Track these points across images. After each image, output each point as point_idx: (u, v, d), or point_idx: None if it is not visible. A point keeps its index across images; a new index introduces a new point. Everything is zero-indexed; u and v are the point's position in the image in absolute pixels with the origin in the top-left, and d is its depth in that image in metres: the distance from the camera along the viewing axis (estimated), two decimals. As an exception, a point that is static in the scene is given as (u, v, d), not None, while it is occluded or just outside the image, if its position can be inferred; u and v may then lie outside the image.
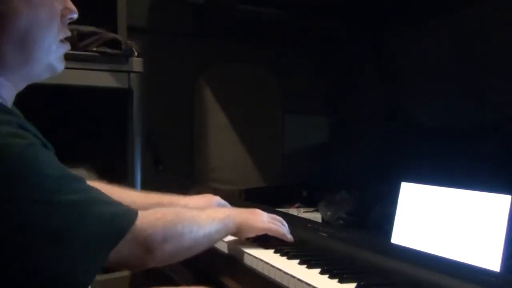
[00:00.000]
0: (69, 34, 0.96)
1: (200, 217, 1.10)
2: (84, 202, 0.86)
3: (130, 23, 1.90)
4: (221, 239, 1.22)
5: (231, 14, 2.21)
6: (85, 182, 0.91)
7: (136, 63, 1.82)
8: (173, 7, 2.27)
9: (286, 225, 1.32)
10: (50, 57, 0.93)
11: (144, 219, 0.95)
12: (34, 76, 0.94)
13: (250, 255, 1.23)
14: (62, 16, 0.93)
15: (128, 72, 1.81)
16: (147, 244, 0.94)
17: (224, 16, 2.24)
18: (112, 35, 1.77)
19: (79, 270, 0.84)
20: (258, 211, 1.29)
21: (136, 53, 1.83)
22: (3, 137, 0.80)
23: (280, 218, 1.32)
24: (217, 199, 1.43)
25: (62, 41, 0.95)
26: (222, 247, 1.35)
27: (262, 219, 1.27)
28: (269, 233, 1.27)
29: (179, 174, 2.31)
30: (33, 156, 0.82)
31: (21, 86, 0.95)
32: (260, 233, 1.26)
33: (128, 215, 0.93)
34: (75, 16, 0.96)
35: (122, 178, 1.88)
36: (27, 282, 0.82)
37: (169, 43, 2.30)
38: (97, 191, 0.92)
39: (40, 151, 0.84)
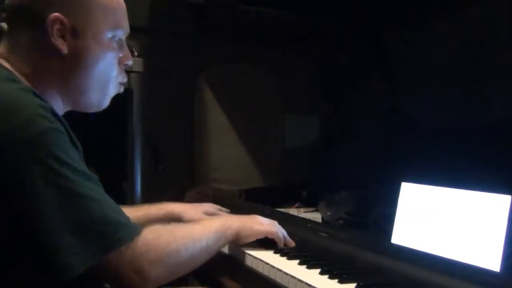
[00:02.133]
0: (126, 79, 1.13)
1: (195, 230, 1.08)
2: (94, 200, 0.89)
3: (130, 23, 1.90)
4: (220, 247, 1.19)
5: (231, 14, 2.21)
6: (101, 186, 0.94)
7: (136, 63, 1.82)
8: (173, 7, 2.28)
9: (284, 230, 1.31)
10: (102, 94, 1.08)
11: (143, 237, 0.94)
12: (83, 106, 1.09)
13: (250, 255, 1.23)
14: (120, 62, 1.10)
15: (128, 72, 1.81)
16: (139, 264, 0.93)
17: (224, 16, 2.24)
18: (112, 35, 1.77)
19: (70, 256, 0.85)
20: (256, 215, 1.28)
21: (136, 53, 1.82)
22: (33, 115, 0.87)
23: (276, 223, 1.31)
24: (207, 208, 1.47)
25: (118, 84, 1.11)
26: (223, 248, 1.35)
27: (261, 222, 1.26)
28: (270, 236, 1.26)
29: (179, 174, 2.31)
30: (52, 139, 0.87)
31: (68, 109, 1.08)
32: (260, 236, 1.24)
33: (132, 228, 0.94)
34: (131, 63, 1.13)
35: (122, 178, 1.88)
36: (24, 252, 0.87)
37: (169, 43, 2.30)
38: (109, 198, 0.94)
39: (62, 139, 0.90)
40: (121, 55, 1.10)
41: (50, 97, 1.02)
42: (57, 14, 0.98)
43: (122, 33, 1.10)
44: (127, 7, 1.13)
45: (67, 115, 1.06)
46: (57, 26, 0.99)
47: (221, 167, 2.35)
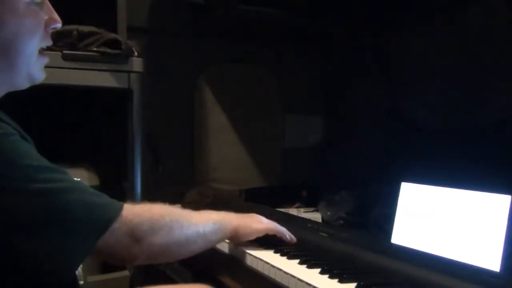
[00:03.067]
0: (50, 43, 0.97)
1: (192, 215, 1.10)
2: (69, 190, 0.87)
3: (130, 23, 1.90)
4: (218, 241, 1.20)
5: (231, 14, 2.21)
6: (67, 174, 0.91)
7: (136, 63, 1.82)
8: (173, 7, 2.28)
9: (284, 229, 1.31)
10: (30, 67, 0.93)
11: (130, 210, 0.95)
12: (14, 84, 0.95)
13: (250, 254, 1.23)
14: (46, 26, 0.94)
15: (128, 72, 1.81)
16: (134, 234, 0.94)
17: (224, 16, 2.24)
18: (112, 35, 1.77)
19: (63, 258, 0.84)
20: (256, 215, 1.28)
21: (136, 53, 1.83)
22: None
23: (275, 223, 1.31)
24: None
25: (43, 52, 0.95)
26: (223, 247, 1.35)
27: (260, 220, 1.26)
28: (270, 233, 1.26)
29: (179, 174, 2.31)
30: (10, 146, 0.82)
31: (1, 92, 0.95)
32: (260, 234, 1.25)
33: (113, 205, 0.94)
34: (59, 26, 0.97)
35: (122, 178, 1.88)
36: (12, 269, 0.83)
37: (169, 43, 2.30)
38: (81, 182, 0.93)
39: (16, 141, 0.85)
40: (45, 17, 0.94)
41: None
42: None
43: None
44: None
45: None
46: None
47: (221, 167, 2.35)
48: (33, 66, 0.94)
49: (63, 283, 0.87)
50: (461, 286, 0.95)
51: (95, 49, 1.73)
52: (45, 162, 0.87)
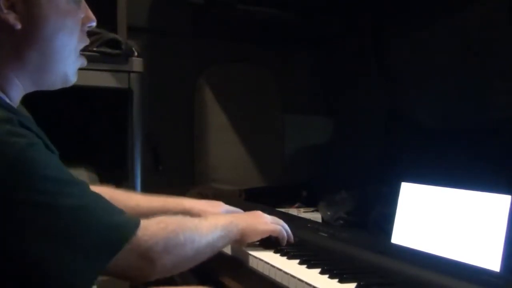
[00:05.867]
0: (88, 42, 0.99)
1: (202, 225, 1.07)
2: (85, 208, 0.85)
3: (130, 23, 1.90)
4: (225, 246, 1.19)
5: (231, 14, 2.21)
6: (88, 188, 0.90)
7: (136, 63, 1.82)
8: (173, 7, 2.28)
9: (287, 227, 1.31)
10: (67, 67, 0.95)
11: (146, 230, 0.92)
12: (47, 83, 0.96)
13: (250, 255, 1.23)
14: (82, 24, 0.96)
15: (128, 72, 1.81)
16: (148, 255, 0.92)
17: (224, 16, 2.24)
18: (112, 35, 1.77)
19: (75, 276, 0.83)
20: (259, 213, 1.27)
21: (136, 53, 1.83)
22: (3, 135, 0.79)
23: (281, 220, 1.30)
24: (225, 207, 1.39)
25: (80, 54, 0.97)
26: (226, 248, 1.34)
27: (265, 221, 1.25)
28: (274, 234, 1.26)
29: (179, 174, 2.31)
30: (33, 157, 0.80)
31: (31, 90, 0.96)
32: (265, 235, 1.24)
33: (129, 225, 0.91)
34: (94, 24, 0.99)
35: (122, 178, 1.88)
36: (24, 282, 0.82)
37: (169, 43, 2.30)
38: (100, 198, 0.91)
39: (40, 151, 0.83)
40: (82, 16, 0.96)
41: (6, 81, 0.90)
42: None
43: None
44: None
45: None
46: None
47: (221, 167, 2.35)
48: (70, 67, 0.95)
49: None
50: (461, 286, 0.95)
51: (95, 49, 1.73)
52: (65, 174, 0.86)
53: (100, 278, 0.90)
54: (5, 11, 0.86)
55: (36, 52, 0.90)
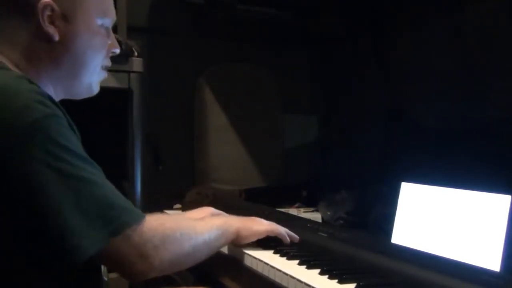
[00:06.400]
0: (110, 64, 1.13)
1: (198, 224, 1.10)
2: (94, 182, 0.89)
3: (130, 23, 1.90)
4: (221, 246, 1.19)
5: (231, 14, 2.21)
6: (102, 172, 0.95)
7: (136, 63, 1.82)
8: (173, 7, 2.28)
9: (286, 229, 1.31)
10: (92, 78, 1.08)
11: (149, 223, 0.95)
12: (75, 91, 1.09)
13: (250, 255, 1.22)
14: (108, 48, 1.11)
15: (128, 72, 1.81)
16: (144, 249, 0.93)
17: (224, 16, 2.24)
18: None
19: (73, 239, 0.85)
20: (256, 217, 1.28)
21: (136, 53, 1.82)
22: (31, 101, 0.86)
23: (275, 224, 1.30)
24: (211, 210, 1.42)
25: (103, 68, 1.11)
26: (223, 248, 1.35)
27: (261, 222, 1.26)
28: (271, 234, 1.26)
29: (179, 174, 2.31)
30: (56, 126, 0.87)
31: (60, 98, 1.06)
32: (261, 236, 1.24)
33: (134, 212, 0.94)
34: (118, 52, 1.14)
35: (122, 178, 1.88)
36: (28, 238, 0.86)
37: (169, 43, 2.30)
38: (113, 186, 0.95)
39: (62, 125, 0.90)
40: (109, 42, 1.11)
41: (43, 86, 0.99)
42: (47, 0, 0.97)
43: (110, 22, 1.10)
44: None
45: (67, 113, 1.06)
46: (48, 13, 0.98)
47: (221, 167, 2.35)
48: (94, 78, 1.09)
49: (84, 272, 0.89)
50: (461, 286, 0.95)
51: (95, 49, 1.72)
52: (83, 152, 0.92)
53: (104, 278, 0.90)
54: (47, 24, 0.98)
55: (68, 63, 1.03)
